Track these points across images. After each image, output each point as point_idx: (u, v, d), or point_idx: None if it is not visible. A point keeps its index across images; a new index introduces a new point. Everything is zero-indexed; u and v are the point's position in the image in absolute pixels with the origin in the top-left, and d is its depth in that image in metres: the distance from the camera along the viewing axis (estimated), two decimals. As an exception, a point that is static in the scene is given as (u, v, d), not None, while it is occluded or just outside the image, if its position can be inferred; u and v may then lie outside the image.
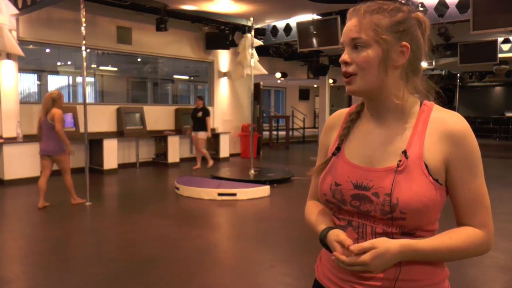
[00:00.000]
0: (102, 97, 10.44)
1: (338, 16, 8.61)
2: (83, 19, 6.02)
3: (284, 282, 3.51)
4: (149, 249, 4.25)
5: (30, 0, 7.22)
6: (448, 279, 1.12)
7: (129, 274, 3.59)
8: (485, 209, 1.06)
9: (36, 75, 9.93)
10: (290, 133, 16.71)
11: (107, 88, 10.81)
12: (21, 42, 7.75)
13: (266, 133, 14.76)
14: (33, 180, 7.32)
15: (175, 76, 12.25)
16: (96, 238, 4.68)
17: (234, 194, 6.41)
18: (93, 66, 9.85)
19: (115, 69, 10.88)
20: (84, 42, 6.08)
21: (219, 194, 6.38)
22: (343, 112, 1.25)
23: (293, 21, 9.97)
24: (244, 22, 9.99)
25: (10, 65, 7.83)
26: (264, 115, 16.16)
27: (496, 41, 10.25)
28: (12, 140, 7.60)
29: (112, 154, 8.86)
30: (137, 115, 9.82)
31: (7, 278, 3.50)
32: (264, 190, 6.69)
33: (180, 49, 10.73)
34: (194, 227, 5.07)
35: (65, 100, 6.38)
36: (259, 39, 10.51)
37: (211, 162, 9.52)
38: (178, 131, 10.38)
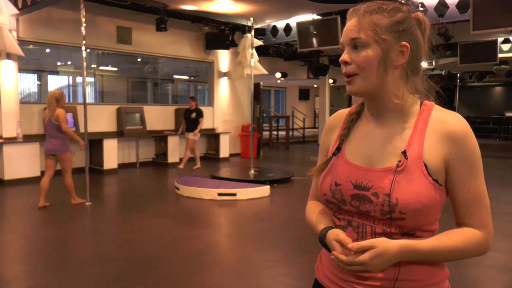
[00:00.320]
0: (102, 97, 10.43)
1: (338, 16, 8.61)
2: (83, 19, 6.03)
3: (284, 282, 3.51)
4: (149, 249, 4.25)
5: (30, 0, 7.22)
6: (448, 279, 1.12)
7: (129, 274, 3.59)
8: (485, 210, 1.06)
9: (36, 75, 9.93)
10: (290, 133, 16.72)
11: (107, 88, 10.81)
12: (21, 42, 7.75)
13: (266, 133, 14.76)
14: (33, 180, 7.32)
15: (175, 76, 12.24)
16: (96, 238, 4.68)
17: (234, 194, 6.41)
18: (93, 66, 9.85)
19: (115, 69, 10.87)
20: (84, 42, 6.08)
21: (219, 194, 6.38)
22: (343, 112, 1.25)
23: (293, 21, 9.97)
24: (244, 22, 9.99)
25: (10, 65, 7.83)
26: (264, 115, 16.16)
27: (496, 41, 10.25)
28: (12, 140, 7.60)
29: (112, 154, 8.87)
30: (137, 115, 9.82)
31: (7, 278, 3.50)
32: (264, 190, 6.69)
33: (180, 49, 10.74)
34: (194, 227, 5.07)
35: (65, 99, 6.36)
36: (259, 39, 10.51)
37: (198, 165, 9.32)
38: (178, 131, 10.37)
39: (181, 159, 9.70)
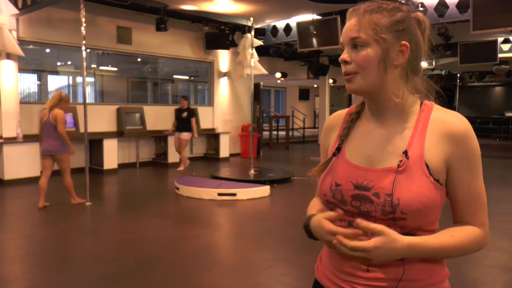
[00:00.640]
0: (102, 97, 10.43)
1: (338, 16, 8.61)
2: (83, 19, 6.02)
3: (284, 282, 3.51)
4: (149, 249, 4.25)
5: (30, 0, 7.22)
6: (448, 279, 1.12)
7: (129, 274, 3.59)
8: (484, 208, 1.08)
9: (36, 75, 9.93)
10: (290, 133, 16.72)
11: (107, 88, 10.81)
12: (21, 42, 7.75)
13: (266, 133, 14.76)
14: (33, 180, 7.32)
15: (175, 76, 12.24)
16: (96, 238, 4.68)
17: (234, 194, 6.41)
18: (93, 66, 9.85)
19: (115, 69, 10.87)
20: (84, 42, 6.08)
21: (219, 194, 6.38)
22: (342, 112, 1.25)
23: (293, 21, 9.97)
24: (244, 22, 9.99)
25: (10, 65, 7.83)
26: (264, 115, 16.15)
27: (496, 41, 10.25)
28: (12, 140, 7.60)
29: (112, 154, 8.87)
30: (137, 115, 9.82)
31: (7, 278, 3.50)
32: (264, 190, 6.69)
33: (180, 49, 10.73)
34: (194, 227, 5.07)
35: (69, 104, 6.33)
36: (259, 39, 10.51)
37: (182, 167, 9.28)
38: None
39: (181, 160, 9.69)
